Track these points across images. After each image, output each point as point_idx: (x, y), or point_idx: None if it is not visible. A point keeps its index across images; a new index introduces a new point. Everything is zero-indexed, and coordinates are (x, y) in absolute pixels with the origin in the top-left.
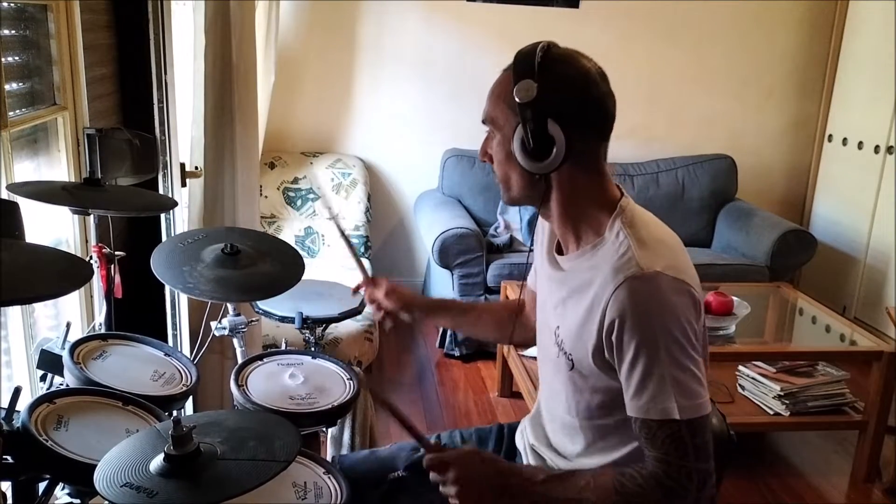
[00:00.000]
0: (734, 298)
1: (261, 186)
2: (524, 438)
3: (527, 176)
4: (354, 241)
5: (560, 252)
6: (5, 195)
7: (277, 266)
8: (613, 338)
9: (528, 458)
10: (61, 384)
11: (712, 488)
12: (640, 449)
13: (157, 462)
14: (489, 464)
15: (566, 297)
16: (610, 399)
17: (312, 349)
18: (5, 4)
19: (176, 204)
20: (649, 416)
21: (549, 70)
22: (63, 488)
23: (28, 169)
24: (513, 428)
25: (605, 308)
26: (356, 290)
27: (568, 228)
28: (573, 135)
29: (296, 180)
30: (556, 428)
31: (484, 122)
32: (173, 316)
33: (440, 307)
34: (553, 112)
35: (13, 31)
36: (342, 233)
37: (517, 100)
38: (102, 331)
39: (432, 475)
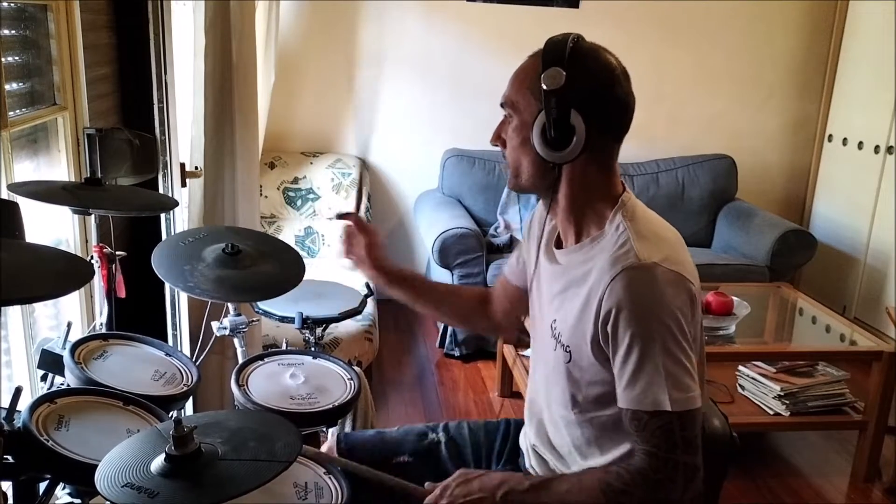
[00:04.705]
0: (734, 298)
1: (261, 186)
2: (526, 440)
3: (540, 164)
4: None
5: (559, 246)
6: (5, 195)
7: (278, 266)
8: (609, 327)
9: (530, 459)
10: (62, 384)
11: (699, 484)
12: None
13: (158, 462)
14: (478, 482)
15: (563, 290)
16: (608, 391)
17: (313, 349)
18: (5, 4)
19: (177, 204)
20: (641, 407)
21: (579, 61)
22: (64, 488)
23: (28, 169)
24: (518, 426)
25: (602, 297)
26: (340, 217)
27: (571, 221)
28: (593, 128)
29: (296, 180)
30: (556, 426)
31: (502, 105)
32: (173, 316)
33: (403, 281)
34: (577, 103)
35: (13, 31)
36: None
37: (544, 86)
38: (103, 331)
39: None
